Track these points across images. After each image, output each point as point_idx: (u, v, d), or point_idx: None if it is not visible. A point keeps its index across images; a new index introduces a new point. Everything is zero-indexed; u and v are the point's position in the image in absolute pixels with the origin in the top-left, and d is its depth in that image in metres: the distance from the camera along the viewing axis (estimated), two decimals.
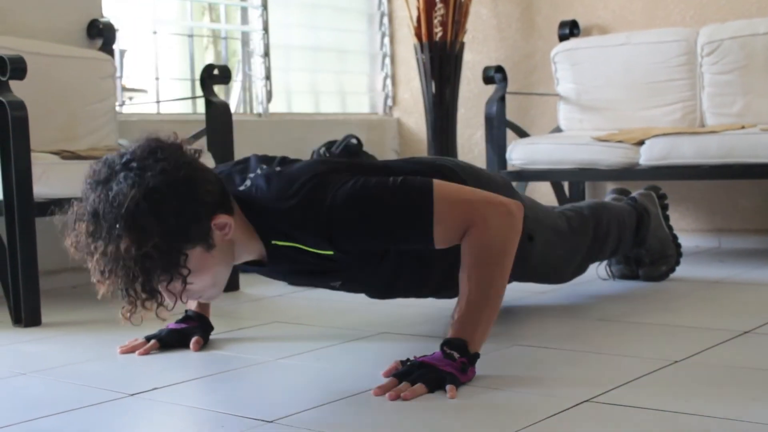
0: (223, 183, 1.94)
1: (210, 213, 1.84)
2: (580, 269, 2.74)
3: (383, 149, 4.86)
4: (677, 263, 3.09)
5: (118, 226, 1.74)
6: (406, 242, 1.96)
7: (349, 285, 2.19)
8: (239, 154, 3.67)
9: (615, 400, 1.69)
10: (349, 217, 1.88)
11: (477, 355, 1.87)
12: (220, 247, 1.88)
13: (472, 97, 4.69)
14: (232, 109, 3.59)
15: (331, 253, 1.94)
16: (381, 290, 2.25)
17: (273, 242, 1.96)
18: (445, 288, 2.01)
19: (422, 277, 2.18)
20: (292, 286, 3.27)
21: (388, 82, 5.07)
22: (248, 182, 2.00)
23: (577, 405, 1.67)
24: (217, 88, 3.58)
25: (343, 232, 1.90)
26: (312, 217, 1.89)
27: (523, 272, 2.40)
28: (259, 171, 2.02)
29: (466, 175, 2.21)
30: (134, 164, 1.80)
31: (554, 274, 2.65)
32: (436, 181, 1.92)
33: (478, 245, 1.89)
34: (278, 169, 2.00)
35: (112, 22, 3.66)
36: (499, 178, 2.45)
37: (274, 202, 1.93)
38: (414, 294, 2.33)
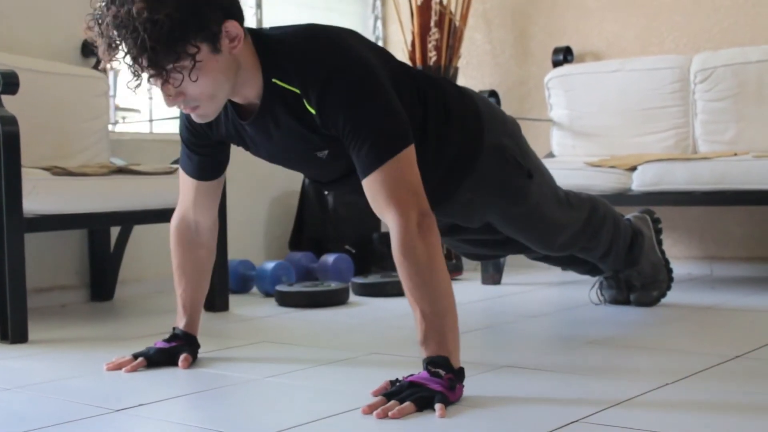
0: (239, 3, 1.96)
1: (224, 12, 1.87)
2: (571, 244, 2.68)
3: None
4: (669, 288, 3.08)
5: None
6: (354, 151, 1.93)
7: (336, 167, 2.12)
8: (231, 173, 3.67)
9: (605, 421, 1.68)
10: (343, 88, 1.89)
11: (462, 370, 1.86)
12: (225, 57, 1.89)
13: None
14: None
15: (314, 112, 1.94)
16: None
17: (273, 80, 1.96)
18: (434, 199, 2.00)
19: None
20: (281, 307, 3.26)
21: None
22: (267, 28, 2.05)
23: (566, 425, 1.65)
24: None
25: (330, 95, 1.90)
26: (317, 68, 1.91)
27: (518, 214, 2.42)
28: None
29: (485, 108, 2.31)
30: None
31: (546, 232, 2.58)
32: (411, 148, 1.92)
33: (404, 256, 1.88)
34: (302, 27, 2.04)
35: None
36: (510, 118, 2.48)
37: (289, 38, 1.97)
38: None
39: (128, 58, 1.81)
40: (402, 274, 1.90)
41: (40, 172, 2.80)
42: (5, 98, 2.77)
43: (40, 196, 2.74)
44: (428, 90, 2.15)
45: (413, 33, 4.47)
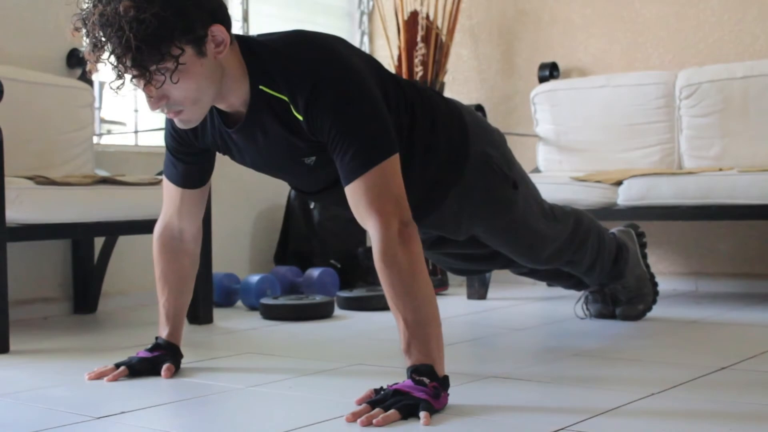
0: (227, 9, 1.95)
1: (211, 17, 1.86)
2: (557, 257, 2.66)
3: None
4: (654, 302, 3.07)
5: None
6: (338, 157, 1.92)
7: (323, 175, 2.10)
8: (216, 187, 3.66)
9: (591, 429, 1.66)
10: (330, 93, 1.88)
11: (447, 378, 1.85)
12: (209, 62, 1.88)
13: None
14: None
15: (301, 118, 1.92)
16: None
17: (260, 87, 1.94)
18: (421, 210, 1.98)
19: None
20: (266, 320, 3.24)
21: None
22: (255, 35, 2.03)
23: None
24: None
25: (318, 99, 1.89)
26: (304, 73, 1.90)
27: (505, 226, 2.41)
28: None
29: (469, 118, 2.29)
30: None
31: (532, 245, 2.57)
32: (395, 157, 1.92)
33: (386, 264, 1.86)
34: (288, 33, 2.03)
35: None
36: (495, 130, 2.46)
37: (276, 44, 1.96)
38: None
39: (112, 58, 1.79)
40: (384, 282, 1.89)
41: (23, 180, 2.78)
42: None
43: (23, 205, 2.72)
44: (415, 99, 2.15)
45: (400, 48, 4.48)
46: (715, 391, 1.99)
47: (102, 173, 3.33)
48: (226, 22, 1.91)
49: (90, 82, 3.60)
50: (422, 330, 1.85)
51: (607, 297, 3.06)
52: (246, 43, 1.98)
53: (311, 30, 2.05)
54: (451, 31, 4.46)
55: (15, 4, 3.47)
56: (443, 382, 1.84)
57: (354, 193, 1.91)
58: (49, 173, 3.10)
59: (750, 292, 3.85)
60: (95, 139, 3.66)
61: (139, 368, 2.22)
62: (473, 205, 2.35)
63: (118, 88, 1.83)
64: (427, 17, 4.43)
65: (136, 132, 4.01)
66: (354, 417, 1.74)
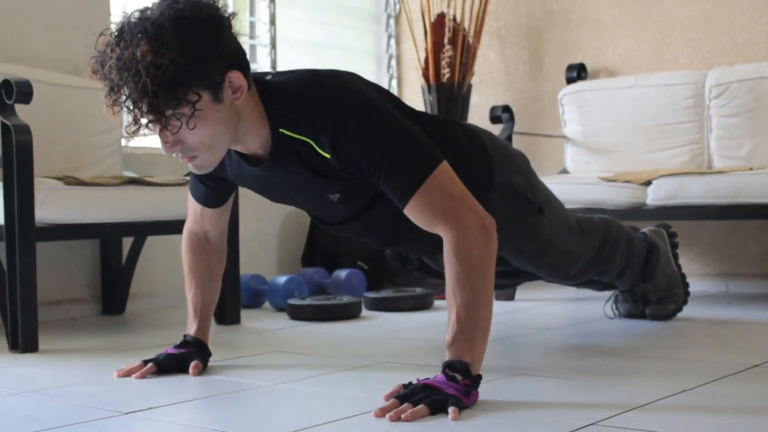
0: (246, 54, 1.93)
1: (229, 63, 1.84)
2: (586, 272, 2.64)
3: None
4: (685, 302, 3.04)
5: (140, 35, 1.76)
6: (388, 184, 1.91)
7: (348, 208, 2.09)
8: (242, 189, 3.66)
9: (623, 424, 1.64)
10: (358, 125, 1.87)
11: (480, 377, 1.83)
12: (226, 108, 1.86)
13: None
14: None
15: (328, 156, 1.91)
16: (381, 233, 2.18)
17: (281, 130, 1.93)
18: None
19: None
20: (293, 320, 3.24)
21: None
22: (270, 76, 2.01)
23: (583, 427, 1.62)
24: None
25: (345, 135, 1.87)
26: (326, 112, 1.88)
27: (532, 249, 2.38)
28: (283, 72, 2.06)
29: (490, 145, 2.26)
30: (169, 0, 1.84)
31: (560, 265, 2.55)
32: (445, 163, 1.90)
33: (458, 259, 1.85)
34: (306, 72, 2.01)
35: None
36: (518, 153, 2.43)
37: (292, 86, 1.93)
38: (415, 246, 2.27)
39: (129, 102, 1.77)
40: (450, 274, 1.86)
41: (52, 181, 2.79)
42: (19, 109, 2.76)
43: (52, 205, 2.73)
44: (434, 129, 2.12)
45: (426, 50, 4.47)
46: (747, 388, 1.97)
47: (130, 175, 3.34)
48: (245, 67, 1.89)
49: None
50: (471, 328, 1.84)
51: (637, 297, 3.03)
52: (263, 86, 1.96)
53: (324, 69, 2.03)
54: (478, 33, 4.45)
55: (45, 8, 3.49)
56: (475, 381, 1.82)
57: (413, 214, 1.90)
58: (78, 175, 3.12)
59: None
60: (123, 142, 3.67)
61: (166, 365, 2.23)
62: (499, 233, 2.30)
63: (133, 132, 1.82)
64: (454, 19, 4.42)
65: None
66: (382, 412, 1.73)
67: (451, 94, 4.39)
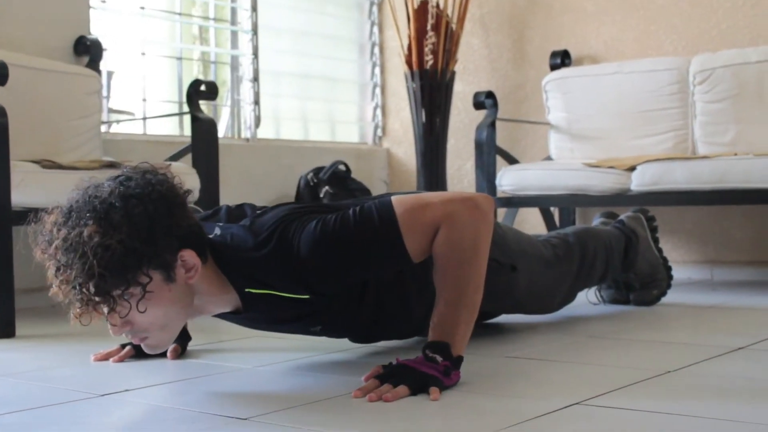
0: (203, 230, 1.85)
1: (181, 242, 1.75)
2: (568, 298, 2.68)
3: (372, 179, 4.81)
4: (668, 287, 3.02)
5: (87, 215, 1.69)
6: (382, 268, 1.90)
7: (330, 329, 2.09)
8: (225, 178, 3.63)
9: (606, 403, 1.62)
10: (318, 262, 1.79)
11: (460, 359, 1.80)
12: (179, 287, 1.78)
13: (463, 128, 4.65)
14: (220, 134, 3.52)
15: (306, 297, 1.86)
16: (362, 332, 2.16)
17: (247, 290, 1.86)
18: (428, 326, 1.92)
19: (403, 315, 2.09)
20: None
21: (378, 112, 5.04)
22: (218, 230, 1.90)
23: (566, 407, 1.60)
24: (206, 112, 3.53)
25: (315, 276, 1.81)
26: (283, 265, 1.80)
27: (509, 304, 2.37)
28: (228, 222, 1.95)
29: None
30: (122, 177, 1.77)
31: (541, 304, 2.58)
32: (394, 197, 1.85)
33: (448, 244, 1.82)
34: (248, 222, 1.90)
35: (100, 40, 3.62)
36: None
37: (247, 252, 1.83)
38: (396, 334, 2.23)
39: (76, 283, 1.69)
40: (440, 258, 1.83)
41: (28, 164, 2.75)
42: None
43: (28, 188, 2.70)
44: None
45: (410, 37, 4.43)
46: (732, 369, 1.95)
47: (108, 159, 3.30)
48: (198, 245, 1.81)
49: (98, 70, 3.58)
50: (457, 313, 1.82)
51: (620, 283, 3.01)
52: (217, 251, 1.87)
53: (261, 215, 1.91)
54: (461, 20, 4.42)
55: None
56: (456, 362, 1.79)
57: (421, 257, 1.86)
58: (57, 159, 3.08)
59: (767, 279, 3.80)
60: (103, 128, 3.63)
61: None
62: None
63: (81, 315, 1.73)
64: (438, 6, 4.39)
65: (144, 119, 3.97)
66: (362, 392, 1.70)
67: (434, 81, 4.36)
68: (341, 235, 1.79)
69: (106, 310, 1.73)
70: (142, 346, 1.86)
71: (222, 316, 2.03)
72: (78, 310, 1.72)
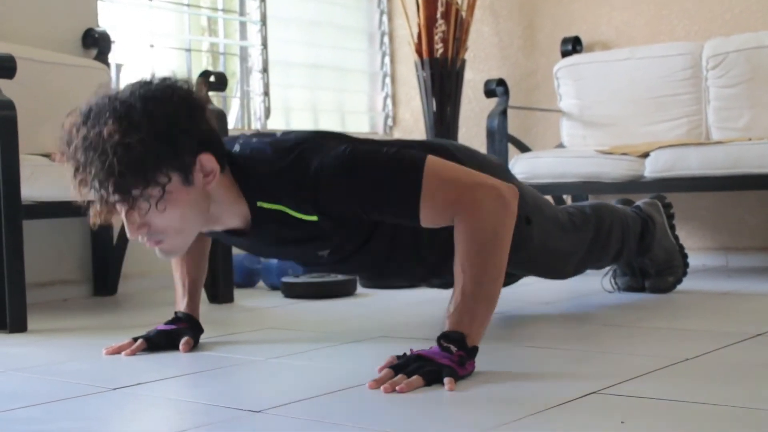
0: (222, 139, 1.87)
1: (200, 145, 1.77)
2: (582, 266, 2.64)
3: None
4: (684, 274, 2.99)
5: (107, 114, 1.69)
6: (391, 215, 1.87)
7: (339, 257, 2.05)
8: None
9: (624, 392, 1.60)
10: (336, 180, 1.80)
11: (476, 349, 1.78)
12: (197, 191, 1.80)
13: (474, 116, 4.62)
14: (230, 125, 3.49)
15: (315, 218, 1.85)
16: (372, 271, 2.15)
17: (259, 204, 1.87)
18: (437, 275, 1.90)
19: (414, 259, 2.07)
20: (288, 299, 3.20)
21: (389, 101, 5.01)
22: (237, 147, 1.92)
23: (583, 396, 1.58)
24: (216, 103, 3.51)
25: (328, 194, 1.81)
26: (299, 177, 1.81)
27: (522, 259, 2.32)
28: (250, 138, 1.96)
29: (462, 155, 2.14)
30: (141, 81, 1.78)
31: (554, 266, 2.53)
32: (430, 157, 1.83)
33: (470, 232, 1.80)
34: (271, 139, 1.92)
35: (109, 32, 3.60)
36: (495, 160, 2.36)
37: (264, 162, 1.86)
38: (406, 279, 2.23)
39: (95, 182, 1.70)
40: (460, 248, 1.80)
41: (38, 158, 2.74)
42: (4, 85, 2.70)
43: (38, 182, 2.68)
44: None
45: (419, 26, 4.40)
46: (749, 356, 1.93)
47: None
48: (217, 149, 1.82)
49: (107, 63, 3.56)
50: (474, 304, 1.79)
51: (635, 270, 2.98)
52: (235, 162, 1.89)
53: (291, 133, 1.95)
54: (471, 8, 4.39)
55: None
56: (471, 352, 1.77)
57: (430, 223, 1.84)
58: None
59: None
60: None
61: (157, 342, 2.18)
62: None
63: (101, 215, 1.74)
64: None
65: None
66: (377, 383, 1.68)
67: (444, 69, 4.33)
68: (366, 165, 1.80)
69: (125, 209, 1.76)
70: (156, 251, 1.87)
71: (231, 240, 2.03)
72: (97, 208, 1.74)
